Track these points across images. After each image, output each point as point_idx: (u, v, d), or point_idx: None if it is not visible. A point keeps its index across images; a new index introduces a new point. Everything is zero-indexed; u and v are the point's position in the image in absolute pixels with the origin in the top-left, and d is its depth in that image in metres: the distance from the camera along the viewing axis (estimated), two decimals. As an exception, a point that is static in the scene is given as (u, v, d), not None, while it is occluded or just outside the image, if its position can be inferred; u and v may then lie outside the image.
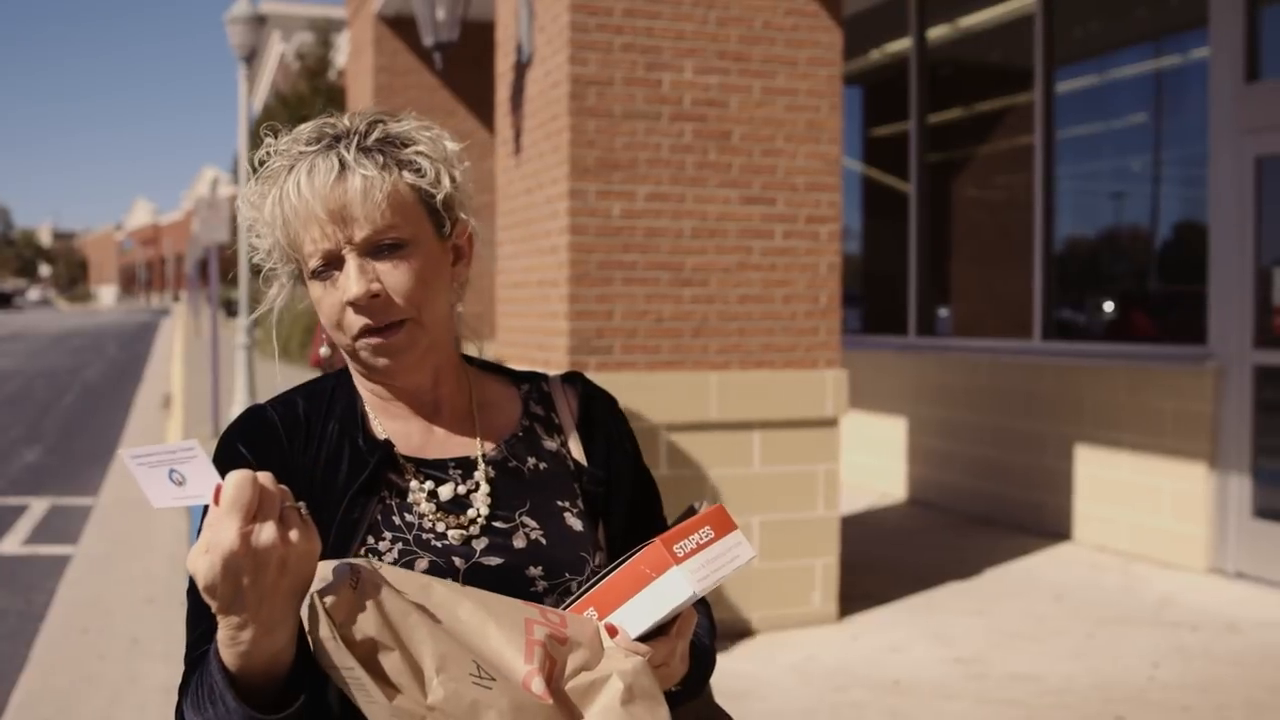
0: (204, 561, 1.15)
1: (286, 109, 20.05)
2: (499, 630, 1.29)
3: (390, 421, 1.54)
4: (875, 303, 10.70)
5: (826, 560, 5.96)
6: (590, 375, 5.76)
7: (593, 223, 5.55)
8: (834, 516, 5.98)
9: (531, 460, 1.57)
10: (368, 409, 1.54)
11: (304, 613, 1.21)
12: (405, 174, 1.45)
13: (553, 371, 1.73)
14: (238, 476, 1.15)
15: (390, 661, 1.21)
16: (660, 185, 5.65)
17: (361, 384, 1.56)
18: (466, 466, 1.53)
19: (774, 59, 5.84)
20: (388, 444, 1.50)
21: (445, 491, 1.50)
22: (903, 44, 9.83)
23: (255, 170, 1.49)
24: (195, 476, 1.19)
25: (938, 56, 9.70)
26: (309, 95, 20.66)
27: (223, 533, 1.14)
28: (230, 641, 1.20)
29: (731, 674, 5.20)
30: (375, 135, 1.46)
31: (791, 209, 5.89)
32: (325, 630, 1.19)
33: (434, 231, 1.50)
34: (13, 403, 17.78)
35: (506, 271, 6.60)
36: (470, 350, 1.63)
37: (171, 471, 1.19)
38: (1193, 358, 7.10)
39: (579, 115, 5.53)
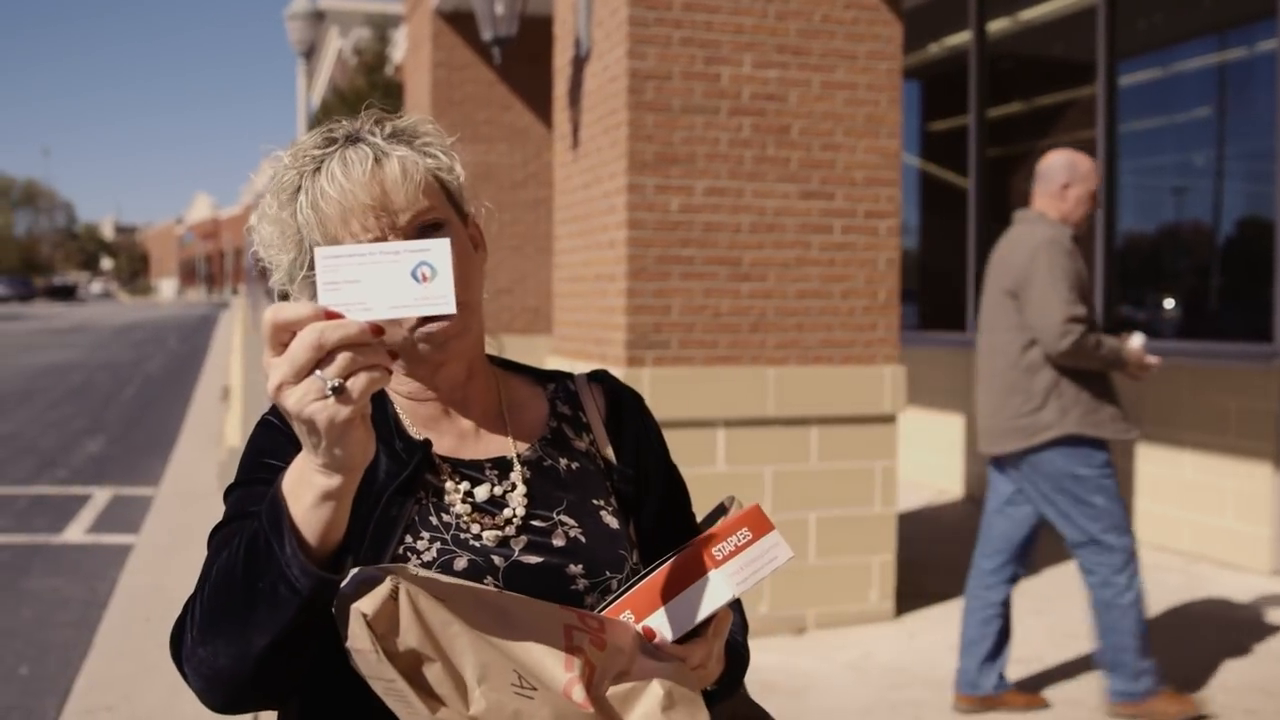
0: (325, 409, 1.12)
1: (344, 104, 20.21)
2: (539, 637, 1.28)
3: (422, 423, 1.54)
4: (933, 299, 10.61)
5: (884, 557, 5.92)
6: (648, 370, 5.77)
7: (651, 217, 5.54)
8: (891, 513, 5.95)
9: (564, 460, 1.57)
10: (399, 411, 1.54)
11: (351, 626, 1.18)
12: (426, 159, 1.47)
13: (578, 370, 1.73)
14: (270, 314, 1.12)
15: (433, 673, 1.19)
16: (719, 180, 5.64)
17: (391, 386, 1.55)
18: (503, 467, 1.52)
19: (833, 53, 5.80)
20: (426, 444, 1.49)
21: (481, 492, 1.49)
22: (962, 37, 9.74)
23: (264, 187, 1.49)
24: (444, 274, 1.11)
25: (998, 50, 9.60)
26: (366, 90, 20.81)
27: (271, 375, 1.12)
28: (315, 467, 1.17)
29: (789, 671, 5.19)
30: (387, 129, 1.47)
31: (850, 204, 5.86)
32: (366, 643, 1.16)
33: (458, 217, 1.51)
34: (77, 394, 18.06)
35: (564, 266, 6.61)
36: (489, 348, 1.62)
37: (421, 265, 1.12)
38: (1258, 356, 6.98)
39: (637, 109, 5.52)
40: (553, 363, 6.52)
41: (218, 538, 1.41)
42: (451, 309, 1.12)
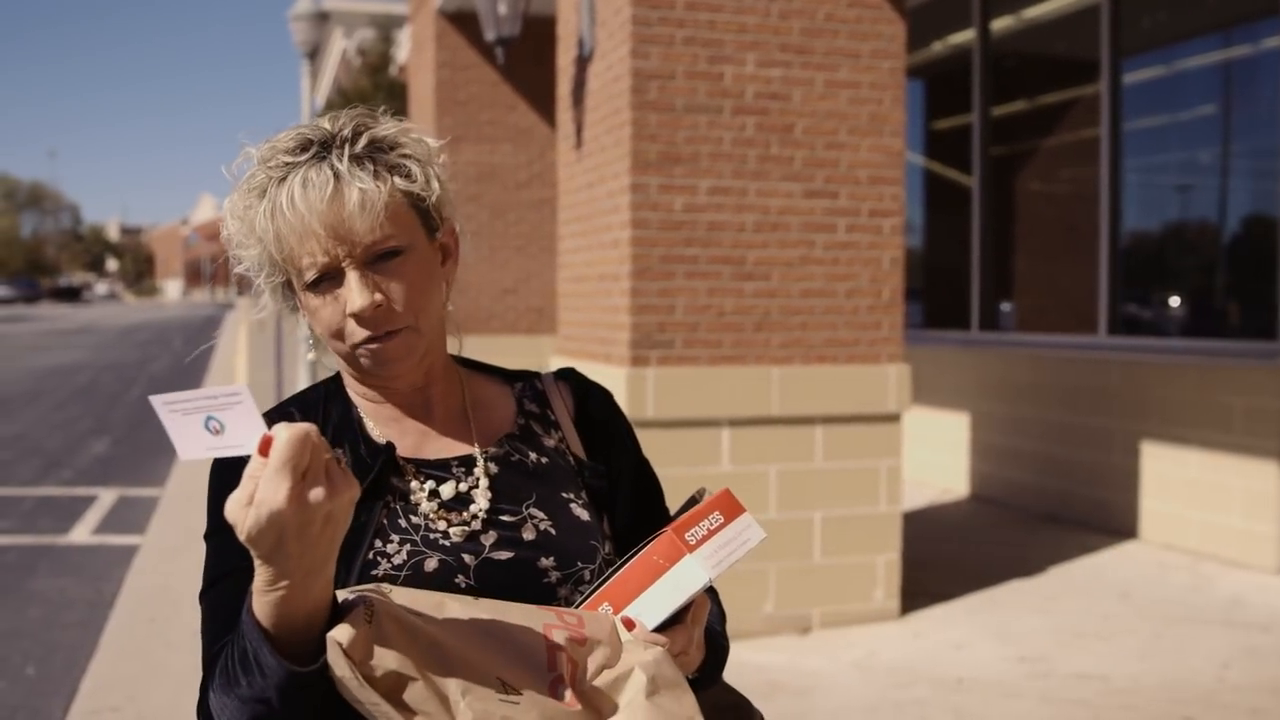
0: (249, 515, 1.12)
1: (348, 105, 20.19)
2: (520, 641, 1.28)
3: (384, 425, 1.54)
4: (937, 297, 10.61)
5: (888, 556, 5.91)
6: (652, 370, 5.75)
7: (654, 217, 5.54)
8: (896, 512, 5.94)
9: (533, 454, 1.57)
10: (362, 414, 1.54)
11: (329, 654, 1.19)
12: (396, 179, 1.44)
13: (545, 370, 1.73)
14: (291, 433, 1.11)
15: (414, 692, 1.19)
16: (722, 179, 5.63)
17: (353, 389, 1.56)
18: (468, 464, 1.53)
19: (837, 51, 5.80)
20: (390, 447, 1.49)
21: (446, 490, 1.50)
22: (966, 36, 9.73)
23: (235, 179, 1.48)
24: (237, 425, 1.12)
25: (1002, 48, 9.59)
26: (370, 91, 20.81)
27: (273, 491, 1.10)
28: (268, 588, 1.17)
29: (794, 670, 5.18)
30: (362, 142, 1.44)
31: (854, 203, 5.85)
32: (345, 669, 1.17)
33: (425, 235, 1.49)
34: (82, 395, 18.08)
35: (568, 266, 6.61)
36: (451, 347, 1.62)
37: (209, 419, 1.12)
38: (1263, 354, 6.97)
39: (640, 109, 5.52)
40: (557, 363, 6.52)
41: (208, 602, 1.42)
42: (251, 450, 1.13)
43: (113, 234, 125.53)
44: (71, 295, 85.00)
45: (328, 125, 1.47)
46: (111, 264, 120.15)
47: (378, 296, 1.41)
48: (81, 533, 8.50)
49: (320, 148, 1.43)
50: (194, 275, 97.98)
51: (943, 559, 7.16)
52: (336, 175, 1.40)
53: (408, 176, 1.46)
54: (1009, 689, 5.01)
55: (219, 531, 1.43)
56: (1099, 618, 6.02)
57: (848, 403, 5.82)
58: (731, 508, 1.45)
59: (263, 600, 1.18)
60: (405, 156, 1.47)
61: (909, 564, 6.17)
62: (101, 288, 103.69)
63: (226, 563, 1.40)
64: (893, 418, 5.92)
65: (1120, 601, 6.32)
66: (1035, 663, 5.32)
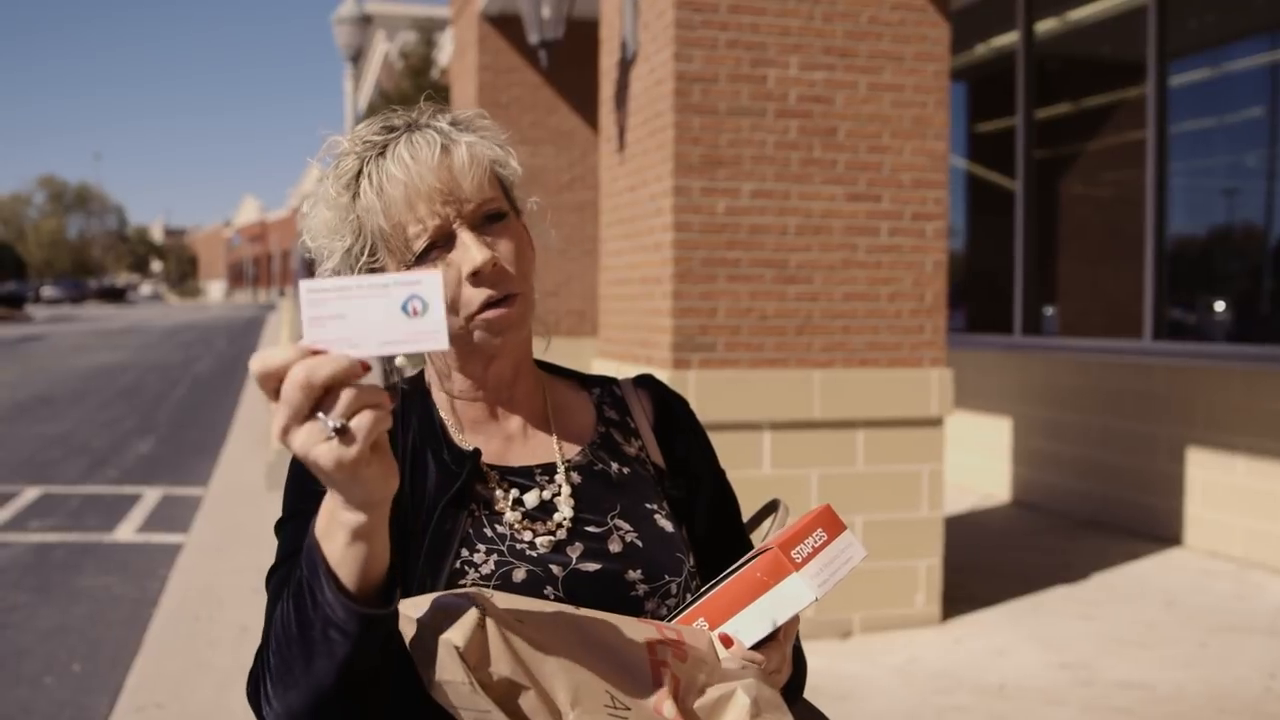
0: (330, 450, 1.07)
1: (391, 108, 20.30)
2: (624, 654, 1.26)
3: (468, 431, 1.52)
4: (980, 301, 10.55)
5: (930, 561, 5.89)
6: (694, 373, 5.74)
7: (697, 219, 5.54)
8: (938, 517, 5.91)
9: (615, 464, 1.55)
10: (444, 418, 1.52)
11: (440, 658, 1.15)
12: (487, 150, 1.48)
13: (622, 375, 1.71)
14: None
15: (527, 701, 1.17)
16: (765, 182, 5.62)
17: (436, 391, 1.54)
18: (550, 471, 1.51)
19: (880, 54, 5.78)
20: (476, 454, 1.47)
21: (530, 498, 1.48)
22: (1010, 38, 9.67)
23: (321, 170, 1.49)
24: (435, 307, 1.04)
25: (1046, 51, 9.53)
26: (413, 94, 20.93)
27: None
28: (344, 507, 1.12)
29: (834, 674, 5.17)
30: (448, 119, 1.48)
31: (897, 206, 5.83)
32: (460, 674, 1.14)
33: (513, 211, 1.51)
34: (127, 395, 18.25)
35: (609, 269, 6.61)
36: (539, 340, 1.60)
37: (412, 299, 1.04)
38: (1312, 359, 6.89)
39: (683, 112, 5.52)
40: (598, 366, 6.53)
41: (274, 580, 1.41)
42: (444, 344, 1.05)
43: (157, 235, 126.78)
44: (116, 296, 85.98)
45: (404, 113, 1.50)
46: (156, 265, 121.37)
47: (494, 253, 1.42)
48: (126, 531, 8.59)
49: (410, 124, 1.47)
50: (237, 277, 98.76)
51: (984, 564, 7.11)
52: (442, 136, 1.43)
53: (493, 151, 1.49)
54: (1051, 696, 4.97)
55: (291, 518, 1.43)
56: (1143, 625, 5.96)
57: (889, 407, 5.79)
58: (833, 525, 1.43)
59: (333, 525, 1.14)
60: (485, 136, 1.50)
61: (950, 569, 6.14)
62: (146, 289, 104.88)
63: (295, 545, 1.37)
64: (935, 422, 5.89)
65: (1165, 609, 6.25)
66: (1078, 670, 5.28)
